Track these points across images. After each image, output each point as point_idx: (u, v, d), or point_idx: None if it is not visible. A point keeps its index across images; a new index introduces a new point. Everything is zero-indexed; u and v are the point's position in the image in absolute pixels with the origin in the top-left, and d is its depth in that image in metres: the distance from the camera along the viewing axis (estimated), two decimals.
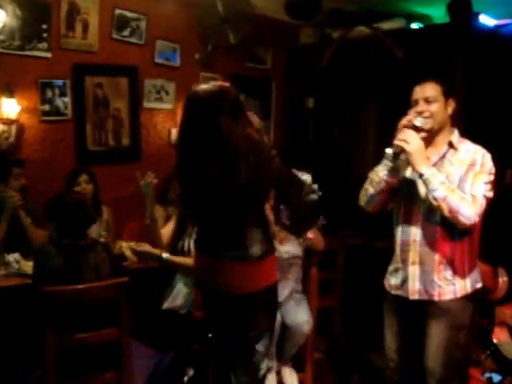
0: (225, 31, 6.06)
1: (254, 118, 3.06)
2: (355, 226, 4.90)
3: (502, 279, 4.40)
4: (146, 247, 4.13)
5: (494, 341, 4.30)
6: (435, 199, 2.96)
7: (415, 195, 3.19)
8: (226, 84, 3.03)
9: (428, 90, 3.17)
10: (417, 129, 3.07)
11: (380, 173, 3.26)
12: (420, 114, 3.13)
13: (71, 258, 3.52)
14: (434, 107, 3.14)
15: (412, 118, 3.12)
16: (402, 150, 3.04)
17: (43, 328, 3.34)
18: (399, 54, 5.69)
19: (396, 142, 3.06)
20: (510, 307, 4.44)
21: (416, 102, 3.19)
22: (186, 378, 4.08)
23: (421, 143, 3.03)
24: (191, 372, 4.10)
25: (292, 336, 4.28)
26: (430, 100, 3.15)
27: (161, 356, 4.03)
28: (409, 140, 3.02)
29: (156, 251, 4.06)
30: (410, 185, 3.23)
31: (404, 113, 3.20)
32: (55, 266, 3.46)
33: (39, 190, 4.88)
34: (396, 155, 3.11)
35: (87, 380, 3.53)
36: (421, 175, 3.00)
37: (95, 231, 4.50)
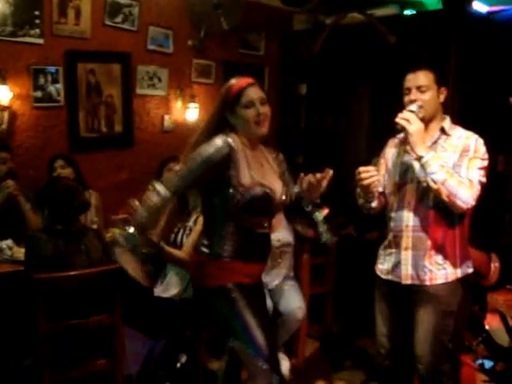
0: (217, 17, 6.03)
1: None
2: (347, 212, 4.90)
3: (494, 265, 4.42)
4: None
5: (486, 327, 4.32)
6: (434, 182, 2.95)
7: (408, 181, 3.20)
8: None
9: (421, 79, 3.15)
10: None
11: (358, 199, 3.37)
12: (413, 102, 3.12)
13: (63, 244, 3.52)
14: (427, 96, 3.13)
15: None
16: (403, 129, 3.05)
17: (36, 315, 3.35)
18: (392, 39, 5.67)
19: (398, 119, 3.04)
20: (501, 293, 4.45)
21: (408, 91, 3.18)
22: (178, 365, 4.10)
23: (422, 126, 3.03)
24: (184, 358, 4.11)
25: (285, 322, 4.28)
26: (422, 89, 3.13)
27: (153, 342, 4.04)
28: (411, 120, 3.02)
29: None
30: (403, 170, 3.23)
31: (396, 99, 3.20)
32: (47, 252, 3.46)
33: (32, 177, 4.89)
34: (396, 132, 3.11)
35: (80, 367, 3.53)
36: (420, 158, 2.99)
37: (83, 216, 4.45)
